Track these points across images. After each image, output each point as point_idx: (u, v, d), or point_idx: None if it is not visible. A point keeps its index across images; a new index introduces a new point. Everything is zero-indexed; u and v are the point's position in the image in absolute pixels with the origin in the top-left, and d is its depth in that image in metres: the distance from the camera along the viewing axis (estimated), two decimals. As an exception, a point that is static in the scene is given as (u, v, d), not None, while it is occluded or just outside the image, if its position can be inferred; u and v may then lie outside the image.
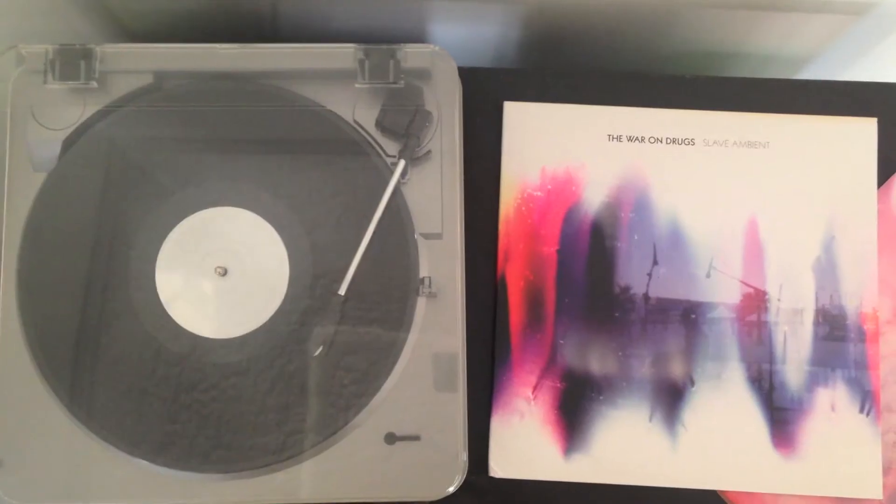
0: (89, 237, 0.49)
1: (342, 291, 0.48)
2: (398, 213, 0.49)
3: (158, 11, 0.60)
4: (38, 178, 0.49)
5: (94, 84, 0.49)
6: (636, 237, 0.52)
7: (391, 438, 0.47)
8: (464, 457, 0.47)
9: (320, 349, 0.48)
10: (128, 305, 0.48)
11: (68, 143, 0.49)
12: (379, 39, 0.51)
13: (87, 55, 0.49)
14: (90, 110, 0.50)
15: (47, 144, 0.49)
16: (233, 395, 0.47)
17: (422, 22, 0.61)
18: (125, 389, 0.47)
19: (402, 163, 0.49)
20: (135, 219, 0.49)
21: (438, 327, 0.48)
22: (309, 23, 0.61)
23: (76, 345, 0.48)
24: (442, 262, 0.49)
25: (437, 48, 0.50)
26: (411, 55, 0.49)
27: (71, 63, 0.49)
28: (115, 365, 0.48)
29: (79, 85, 0.49)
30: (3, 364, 0.48)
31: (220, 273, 0.49)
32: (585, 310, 0.51)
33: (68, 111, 0.50)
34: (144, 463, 0.47)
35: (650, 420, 0.50)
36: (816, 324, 0.51)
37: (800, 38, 0.59)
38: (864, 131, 0.52)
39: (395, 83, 0.49)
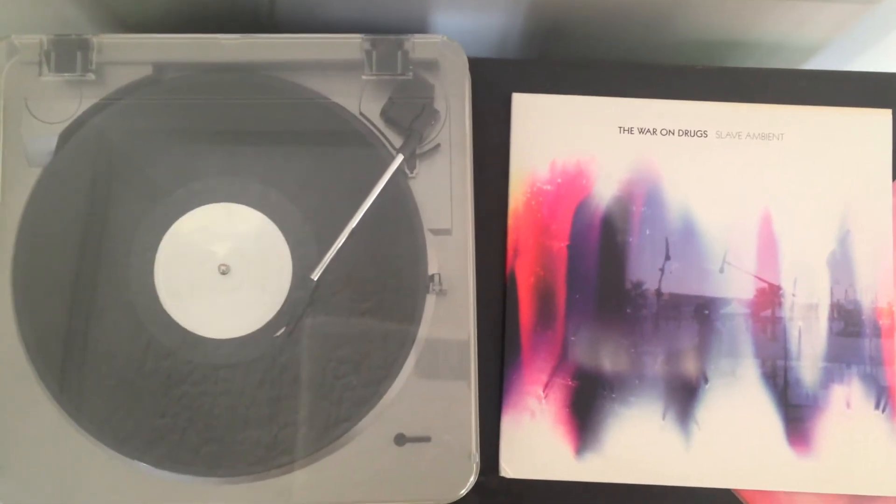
0: (87, 234, 0.47)
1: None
2: (407, 208, 0.47)
3: (151, 1, 0.58)
4: (34, 174, 0.48)
5: (92, 76, 0.48)
6: (648, 231, 0.51)
7: (401, 439, 0.46)
8: (477, 458, 0.46)
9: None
10: (127, 303, 0.47)
11: (65, 137, 0.48)
12: (377, 30, 0.49)
13: (84, 46, 0.48)
14: (87, 103, 0.48)
15: (43, 138, 0.48)
16: (239, 396, 0.46)
17: (422, 12, 0.60)
18: (125, 390, 0.46)
19: (399, 157, 0.48)
20: (133, 215, 0.48)
21: (448, 325, 0.47)
22: (307, 12, 0.59)
23: (74, 344, 0.46)
24: (451, 259, 0.48)
25: (446, 38, 0.48)
26: (419, 46, 0.48)
27: (67, 54, 0.48)
28: (114, 365, 0.46)
29: (75, 77, 0.48)
30: (-1, 365, 0.46)
31: (223, 271, 0.47)
32: (597, 306, 0.50)
33: (64, 104, 0.48)
34: (146, 466, 0.46)
35: (663, 418, 0.49)
36: (831, 319, 0.50)
37: (810, 27, 0.58)
38: (878, 122, 0.52)
39: (403, 75, 0.48)
